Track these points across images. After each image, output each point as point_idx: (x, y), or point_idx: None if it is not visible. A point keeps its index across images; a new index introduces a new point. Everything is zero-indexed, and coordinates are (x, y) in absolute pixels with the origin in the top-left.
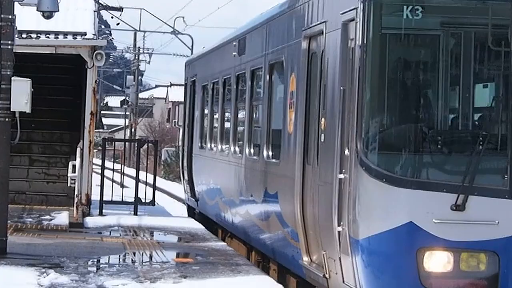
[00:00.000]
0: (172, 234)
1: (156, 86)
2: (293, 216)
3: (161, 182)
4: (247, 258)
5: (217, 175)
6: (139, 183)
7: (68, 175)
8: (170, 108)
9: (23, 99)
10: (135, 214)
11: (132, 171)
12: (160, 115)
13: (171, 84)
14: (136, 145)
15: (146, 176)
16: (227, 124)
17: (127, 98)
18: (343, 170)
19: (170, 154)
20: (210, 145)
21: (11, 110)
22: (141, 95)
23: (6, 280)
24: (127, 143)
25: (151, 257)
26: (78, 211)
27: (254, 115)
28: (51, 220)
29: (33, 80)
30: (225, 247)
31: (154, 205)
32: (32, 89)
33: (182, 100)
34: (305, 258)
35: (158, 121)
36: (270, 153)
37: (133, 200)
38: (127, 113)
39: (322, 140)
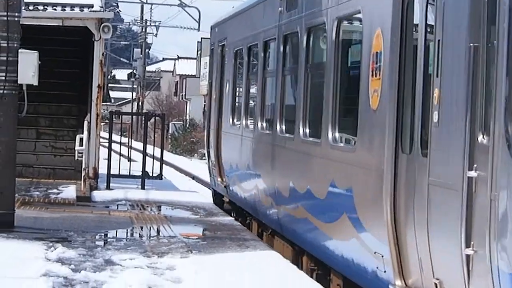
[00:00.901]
0: (179, 208)
1: (164, 59)
2: (378, 223)
3: (168, 156)
4: (296, 263)
5: (256, 159)
6: (147, 157)
7: (76, 148)
8: (177, 82)
9: (30, 71)
10: (143, 188)
11: (139, 145)
12: (168, 89)
13: (178, 57)
14: (143, 118)
15: (154, 150)
16: (271, 98)
17: (134, 71)
18: (475, 166)
19: (178, 128)
20: (246, 122)
21: (18, 83)
22: (148, 68)
23: (14, 254)
24: (134, 116)
25: (158, 231)
26: (86, 184)
27: (311, 86)
28: (58, 193)
29: (40, 53)
30: (233, 222)
31: (161, 179)
32: (39, 62)
33: (190, 73)
34: (398, 282)
35: (166, 94)
36: (339, 136)
37: (140, 174)
38: (134, 86)
39: (435, 120)
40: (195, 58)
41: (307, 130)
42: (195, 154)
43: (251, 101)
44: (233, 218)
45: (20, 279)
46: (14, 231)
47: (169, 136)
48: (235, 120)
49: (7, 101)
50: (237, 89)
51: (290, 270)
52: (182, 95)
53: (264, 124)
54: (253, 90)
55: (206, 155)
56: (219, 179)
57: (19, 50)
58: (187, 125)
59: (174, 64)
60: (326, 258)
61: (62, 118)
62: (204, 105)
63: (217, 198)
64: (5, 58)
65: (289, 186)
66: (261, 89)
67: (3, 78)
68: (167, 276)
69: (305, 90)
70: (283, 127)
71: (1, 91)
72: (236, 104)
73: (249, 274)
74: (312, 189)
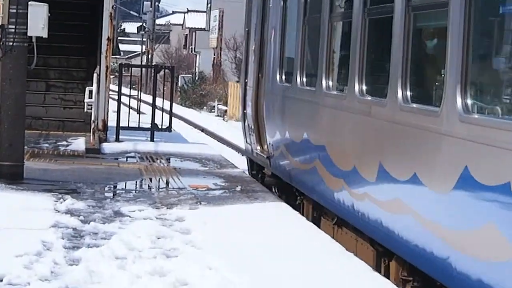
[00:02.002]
0: (188, 160)
1: (173, 13)
2: None
3: (177, 109)
4: (377, 268)
5: (318, 128)
6: (156, 110)
7: (85, 100)
8: (187, 35)
9: (40, 24)
10: (152, 140)
11: (148, 98)
12: (177, 42)
13: (188, 11)
14: (152, 71)
15: (163, 103)
16: (343, 48)
17: (144, 24)
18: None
19: (187, 81)
20: (302, 80)
21: (28, 35)
22: (157, 21)
23: (23, 205)
24: (143, 69)
25: (167, 183)
26: (95, 137)
27: (412, 28)
28: (67, 146)
29: (49, 5)
30: (242, 174)
31: (170, 131)
32: (49, 14)
33: (199, 26)
34: None
35: (175, 47)
36: (482, 101)
37: (149, 126)
38: (144, 39)
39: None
40: (205, 11)
41: (410, 93)
42: (204, 107)
43: (310, 54)
44: (242, 170)
45: (29, 230)
46: (24, 183)
47: (178, 89)
48: (284, 78)
49: (16, 53)
50: (288, 38)
51: (299, 221)
52: (192, 48)
53: (331, 83)
54: (313, 38)
55: (241, 117)
56: (259, 147)
57: (29, 3)
58: (196, 78)
59: (184, 17)
60: (439, 273)
61: (71, 70)
62: (214, 58)
63: (255, 169)
64: (14, 11)
65: (379, 168)
66: (328, 37)
67: (13, 30)
68: (176, 227)
69: (406, 34)
70: (364, 87)
71: (11, 43)
72: (287, 58)
73: (257, 225)
74: (424, 179)
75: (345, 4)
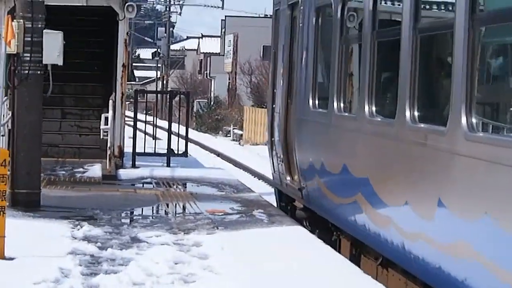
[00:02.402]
0: (205, 185)
1: (188, 38)
2: None
3: (193, 134)
4: None
5: (362, 159)
6: (172, 135)
7: (101, 127)
8: (201, 60)
9: (55, 52)
10: (168, 165)
11: (164, 123)
12: (192, 67)
13: (202, 36)
14: (168, 96)
15: (179, 128)
16: (387, 70)
17: (158, 50)
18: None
19: (202, 106)
20: (340, 106)
21: (43, 63)
22: (172, 47)
23: (41, 233)
24: (159, 95)
25: (184, 208)
26: (111, 163)
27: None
28: (84, 172)
29: (64, 33)
30: (258, 198)
31: (187, 156)
32: (64, 42)
33: (214, 51)
34: None
35: (190, 72)
36: None
37: (165, 151)
38: (159, 65)
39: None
40: (219, 36)
41: (476, 121)
42: (220, 132)
43: (349, 76)
44: (258, 194)
45: (47, 257)
46: (41, 210)
47: (194, 114)
48: (318, 103)
49: (32, 81)
50: (322, 59)
51: (317, 244)
52: (207, 73)
53: (376, 109)
54: (352, 59)
55: (268, 145)
56: (289, 178)
57: (44, 31)
58: (212, 103)
59: (198, 42)
60: None
61: (87, 97)
62: (229, 82)
63: (284, 201)
64: (30, 39)
65: (438, 205)
66: (370, 58)
67: (28, 58)
68: (194, 252)
69: (472, 53)
70: (417, 113)
71: (26, 71)
72: (321, 81)
73: (276, 249)
74: (499, 220)
75: (391, 18)
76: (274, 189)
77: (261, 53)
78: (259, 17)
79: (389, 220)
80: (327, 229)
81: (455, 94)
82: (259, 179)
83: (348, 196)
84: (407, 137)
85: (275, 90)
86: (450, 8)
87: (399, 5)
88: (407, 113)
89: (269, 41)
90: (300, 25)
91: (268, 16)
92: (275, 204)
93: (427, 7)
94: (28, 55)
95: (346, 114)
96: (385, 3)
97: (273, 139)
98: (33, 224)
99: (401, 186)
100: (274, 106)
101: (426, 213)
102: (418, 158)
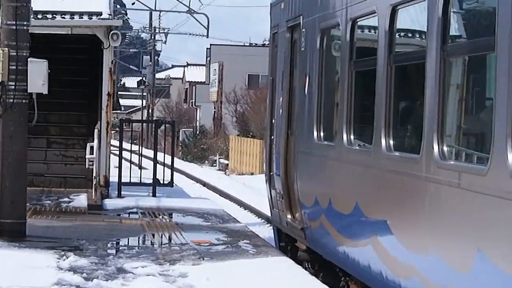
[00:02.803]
0: (191, 215)
1: (173, 66)
2: None
3: (179, 163)
4: None
5: (375, 197)
6: (157, 164)
7: (86, 156)
8: (187, 88)
9: (40, 80)
10: (154, 195)
11: (150, 152)
12: (177, 96)
13: (188, 64)
14: (153, 125)
15: (164, 157)
16: (406, 98)
17: (144, 79)
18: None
19: (188, 135)
20: (350, 137)
21: (28, 91)
22: (157, 75)
23: (26, 263)
24: (144, 124)
25: (170, 239)
26: (97, 193)
27: None
28: (69, 202)
29: (49, 61)
30: (244, 228)
31: (172, 186)
32: (49, 70)
33: (199, 80)
34: None
35: (175, 101)
36: None
37: (151, 181)
38: (144, 93)
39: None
40: (204, 65)
41: None
42: (206, 161)
43: (361, 105)
44: (244, 225)
45: None
46: (26, 240)
47: (180, 143)
48: (324, 135)
49: (17, 110)
50: (328, 87)
51: (303, 276)
52: (192, 102)
53: (395, 143)
54: (365, 86)
55: (266, 179)
56: (290, 216)
57: (29, 59)
58: (197, 132)
59: (184, 71)
60: None
61: (72, 126)
62: (214, 111)
63: (284, 240)
64: (14, 67)
65: (476, 258)
66: (388, 84)
67: (13, 87)
68: (179, 283)
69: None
70: (446, 148)
71: (11, 100)
72: (327, 110)
73: (261, 280)
74: None
75: (412, 40)
76: (273, 227)
77: (247, 82)
78: (244, 45)
79: (412, 270)
80: (334, 274)
81: (499, 131)
82: (245, 209)
83: (361, 239)
84: (436, 176)
85: (273, 121)
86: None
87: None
88: (435, 149)
89: (254, 70)
90: (302, 49)
91: (253, 44)
92: (273, 243)
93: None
94: (13, 83)
95: (358, 148)
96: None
97: (271, 173)
98: (19, 254)
99: (427, 234)
100: (272, 137)
101: (459, 266)
102: (450, 200)
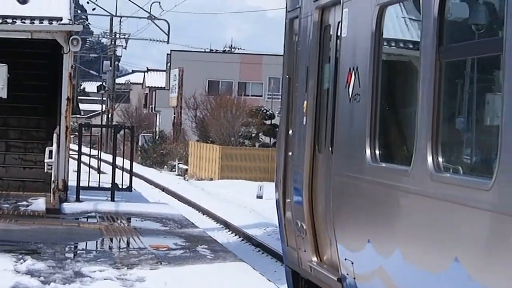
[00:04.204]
0: (149, 220)
1: (133, 72)
2: None
3: (138, 168)
4: None
5: (478, 248)
6: (116, 169)
7: (45, 160)
8: (147, 94)
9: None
10: (112, 200)
11: (109, 157)
12: (137, 101)
13: (148, 70)
14: (112, 130)
15: (123, 162)
16: None
17: (103, 84)
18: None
19: (147, 140)
20: (436, 160)
21: None
22: (117, 80)
23: None
24: (104, 128)
25: (128, 243)
26: (55, 197)
27: None
28: (28, 206)
29: (9, 66)
30: (203, 233)
31: (131, 191)
32: (8, 75)
33: (159, 85)
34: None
35: (135, 106)
36: None
37: (110, 186)
38: (104, 98)
39: None
40: (164, 70)
41: None
42: (165, 166)
43: (458, 113)
44: (203, 230)
45: None
46: None
47: (139, 148)
48: (383, 154)
49: None
50: (391, 84)
51: (259, 281)
52: (152, 107)
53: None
54: (461, 83)
55: (278, 206)
56: (315, 258)
57: None
58: (157, 137)
59: (144, 76)
60: None
61: (31, 130)
62: (174, 117)
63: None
64: None
65: None
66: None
67: None
68: (137, 287)
69: None
70: None
71: None
72: (390, 118)
73: (219, 285)
74: None
75: None
76: (285, 269)
77: (207, 88)
78: (205, 51)
79: None
80: None
81: None
82: (203, 215)
83: None
84: None
85: (290, 132)
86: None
87: None
88: None
89: (215, 76)
90: (344, 35)
91: (214, 51)
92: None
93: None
94: None
95: (451, 175)
96: None
97: (288, 200)
98: None
99: None
100: (290, 153)
101: None
102: None
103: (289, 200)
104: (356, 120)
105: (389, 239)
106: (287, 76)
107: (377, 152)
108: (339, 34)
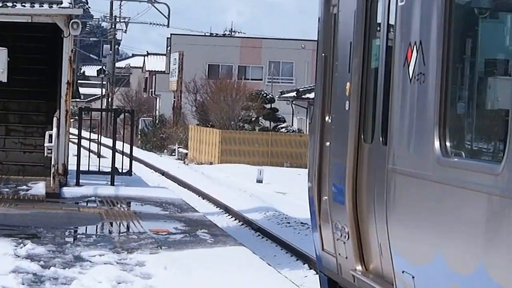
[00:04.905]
0: (149, 204)
1: (133, 56)
2: None
3: (138, 152)
4: None
5: None
6: (116, 153)
7: (45, 145)
8: (147, 78)
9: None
10: (112, 184)
11: (109, 141)
12: (137, 85)
13: (148, 54)
14: (112, 114)
15: (123, 146)
16: None
17: (103, 68)
18: None
19: (147, 124)
20: None
21: None
22: (117, 64)
23: None
24: (103, 112)
25: (128, 227)
26: (55, 181)
27: None
28: (28, 190)
29: (9, 50)
30: (203, 218)
31: (131, 175)
32: (8, 59)
33: (159, 69)
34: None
35: (135, 90)
36: None
37: (110, 170)
38: (104, 82)
39: None
40: (164, 54)
41: None
42: (165, 150)
43: None
44: (203, 214)
45: None
46: None
47: (139, 132)
48: (460, 146)
49: None
50: (469, 61)
51: (259, 265)
52: (152, 91)
53: None
54: None
55: (312, 203)
56: (360, 267)
57: None
58: (157, 121)
59: (144, 60)
60: None
61: (31, 114)
62: (174, 101)
63: None
64: None
65: None
66: None
67: None
68: (137, 272)
69: None
70: None
71: None
72: (470, 103)
73: (218, 269)
74: None
75: None
76: (320, 276)
77: (207, 72)
78: (205, 35)
79: None
80: None
81: None
82: (203, 199)
83: None
84: None
85: (327, 118)
86: None
87: None
88: None
89: (215, 60)
90: (401, 3)
91: (214, 34)
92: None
93: None
94: None
95: None
96: None
97: (325, 197)
98: None
99: None
100: (327, 143)
101: None
102: None
103: (326, 197)
104: (420, 104)
105: (468, 253)
106: (323, 55)
107: (448, 143)
108: (392, 2)
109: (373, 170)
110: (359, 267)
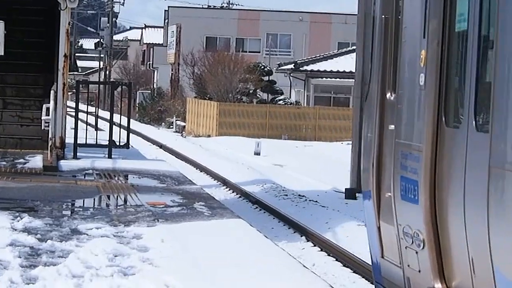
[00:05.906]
0: (146, 177)
1: (131, 28)
2: None
3: (136, 125)
4: None
5: None
6: (114, 126)
7: (42, 118)
8: (144, 50)
9: None
10: (110, 157)
11: (106, 114)
12: (135, 57)
13: (146, 26)
14: (110, 87)
15: (120, 119)
16: None
17: (101, 40)
18: None
19: (145, 97)
20: None
21: None
22: (115, 37)
23: None
24: (101, 85)
25: (125, 200)
26: (52, 154)
27: None
28: (25, 163)
29: (5, 23)
30: (200, 190)
31: (128, 148)
32: (5, 31)
33: (157, 42)
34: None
35: (133, 63)
36: None
37: (107, 143)
38: (102, 55)
39: None
40: (162, 27)
41: None
42: (163, 123)
43: None
44: (200, 187)
45: None
46: None
47: (137, 105)
48: None
49: None
50: None
51: (257, 237)
52: (149, 64)
53: None
54: None
55: (368, 202)
56: (439, 285)
57: None
58: (155, 94)
59: (141, 33)
60: None
61: (28, 87)
62: (172, 73)
63: None
64: None
65: None
66: None
67: None
68: (134, 245)
69: None
70: None
71: None
72: None
73: (215, 241)
74: None
75: None
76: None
77: (204, 44)
78: (203, 7)
79: None
80: None
81: None
82: (201, 171)
83: None
84: None
85: (390, 95)
86: None
87: None
88: None
89: (212, 32)
90: None
91: (212, 7)
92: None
93: None
94: None
95: None
96: None
97: (388, 194)
98: None
99: None
100: (391, 127)
101: None
102: None
103: (389, 194)
104: None
105: None
106: (383, 17)
107: None
108: None
109: (461, 163)
110: (438, 285)
